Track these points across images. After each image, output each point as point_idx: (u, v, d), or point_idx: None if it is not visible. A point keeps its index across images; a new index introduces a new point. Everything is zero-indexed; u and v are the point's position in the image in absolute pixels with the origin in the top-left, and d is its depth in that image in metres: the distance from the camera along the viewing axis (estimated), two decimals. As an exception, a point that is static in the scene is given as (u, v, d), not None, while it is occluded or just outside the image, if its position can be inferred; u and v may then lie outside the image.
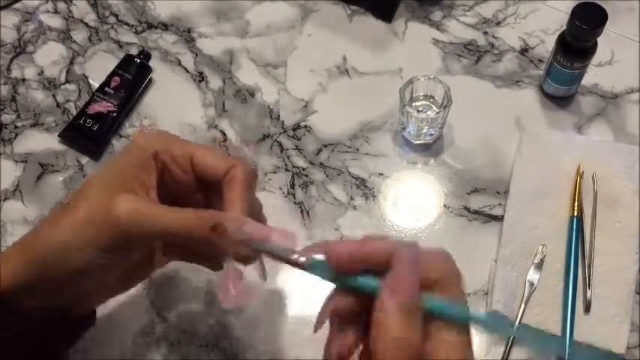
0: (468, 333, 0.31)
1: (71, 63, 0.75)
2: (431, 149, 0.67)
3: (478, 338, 0.57)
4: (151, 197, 0.40)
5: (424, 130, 0.65)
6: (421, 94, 0.66)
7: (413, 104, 0.66)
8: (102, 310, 0.60)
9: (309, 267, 0.33)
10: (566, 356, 0.55)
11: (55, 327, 0.41)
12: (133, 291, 0.61)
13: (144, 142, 0.41)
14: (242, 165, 0.41)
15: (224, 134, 0.69)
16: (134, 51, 0.73)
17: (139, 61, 0.71)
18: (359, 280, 0.32)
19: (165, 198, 0.41)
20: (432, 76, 0.63)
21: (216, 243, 0.36)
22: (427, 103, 0.66)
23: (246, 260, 0.37)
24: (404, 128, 0.66)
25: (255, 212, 0.44)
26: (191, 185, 0.43)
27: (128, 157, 0.40)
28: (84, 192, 0.39)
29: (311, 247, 0.34)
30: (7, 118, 0.71)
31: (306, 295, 0.59)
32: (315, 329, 0.34)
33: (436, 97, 0.65)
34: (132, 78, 0.70)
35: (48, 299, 0.39)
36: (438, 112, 0.62)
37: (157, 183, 0.41)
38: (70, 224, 0.38)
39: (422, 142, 0.67)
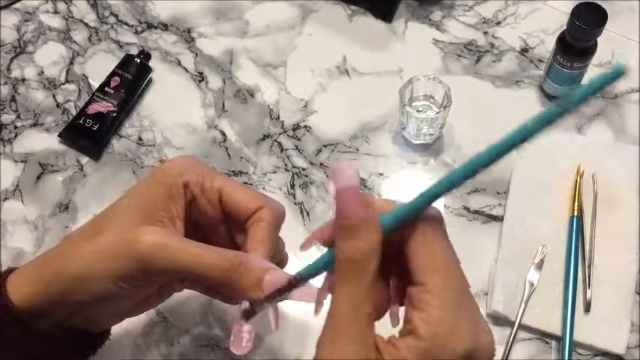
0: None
1: (71, 63, 0.75)
2: (431, 149, 0.67)
3: (478, 338, 0.57)
4: (177, 227, 0.39)
5: (424, 130, 0.65)
6: (421, 94, 0.66)
7: (413, 104, 0.66)
8: (102, 310, 0.60)
9: None
10: (567, 356, 0.55)
11: (69, 344, 0.40)
12: (133, 291, 0.61)
13: (175, 170, 0.40)
14: (271, 207, 0.41)
15: (224, 134, 0.69)
16: (134, 51, 0.73)
17: (139, 61, 0.71)
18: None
19: (189, 226, 0.40)
20: (432, 76, 0.63)
21: (235, 286, 0.36)
22: (427, 103, 0.66)
23: (260, 307, 0.37)
24: (404, 128, 0.66)
25: (278, 251, 0.43)
26: (216, 218, 0.42)
27: (157, 186, 0.39)
28: (109, 218, 0.38)
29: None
30: (7, 118, 0.71)
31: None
32: (316, 311, 0.34)
33: (436, 97, 0.65)
34: (132, 78, 0.70)
35: (63, 320, 0.39)
36: (438, 112, 0.62)
37: (185, 213, 0.40)
38: (92, 253, 0.37)
39: (422, 142, 0.67)
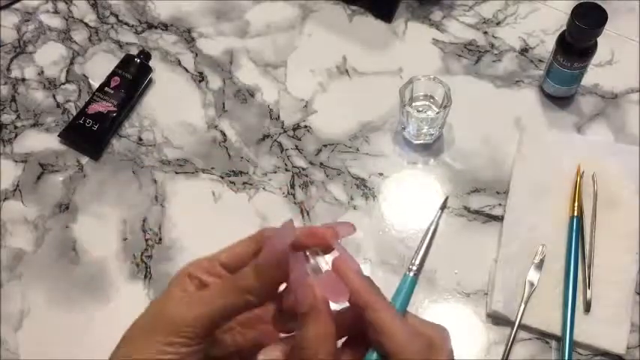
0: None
1: (71, 63, 0.75)
2: (431, 149, 0.67)
3: (478, 338, 0.57)
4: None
5: (424, 130, 0.65)
6: (421, 94, 0.66)
7: (413, 104, 0.66)
8: (102, 310, 0.61)
9: None
10: (567, 356, 0.55)
11: None
12: (133, 291, 0.61)
13: (180, 269, 0.40)
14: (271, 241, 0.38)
15: (224, 134, 0.69)
16: (134, 51, 0.73)
17: (138, 61, 0.71)
18: None
19: None
20: (432, 76, 0.63)
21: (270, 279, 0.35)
22: (427, 103, 0.66)
23: None
24: (404, 128, 0.66)
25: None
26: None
27: (167, 293, 0.38)
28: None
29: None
30: (7, 118, 0.71)
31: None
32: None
33: (436, 97, 0.65)
34: (132, 78, 0.70)
35: None
36: (438, 112, 0.62)
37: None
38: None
39: (422, 142, 0.67)
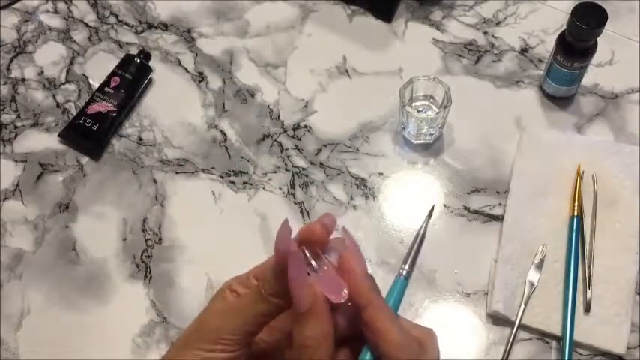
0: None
1: (71, 63, 0.75)
2: (431, 149, 0.67)
3: (478, 338, 0.57)
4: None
5: (424, 130, 0.65)
6: (421, 94, 0.66)
7: (413, 104, 0.66)
8: (102, 310, 0.61)
9: None
10: (567, 356, 0.55)
11: None
12: (133, 291, 0.61)
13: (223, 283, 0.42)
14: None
15: (224, 134, 0.69)
16: (134, 51, 0.73)
17: (139, 61, 0.71)
18: None
19: None
20: (432, 76, 0.63)
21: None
22: (427, 103, 0.66)
23: None
24: (404, 128, 0.66)
25: None
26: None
27: (209, 305, 0.41)
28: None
29: None
30: (7, 118, 0.71)
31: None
32: None
33: (436, 97, 0.65)
34: (132, 78, 0.70)
35: None
36: (438, 112, 0.62)
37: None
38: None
39: (422, 142, 0.67)
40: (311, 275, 0.35)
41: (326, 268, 0.35)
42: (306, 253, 0.36)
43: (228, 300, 0.39)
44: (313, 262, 0.35)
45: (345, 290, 0.34)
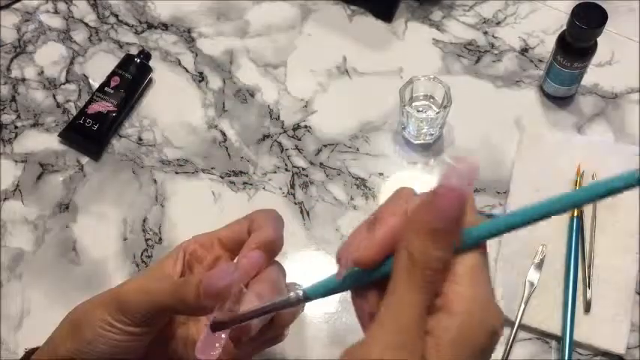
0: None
1: (71, 63, 0.75)
2: (431, 149, 0.67)
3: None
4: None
5: (424, 130, 0.65)
6: (421, 94, 0.66)
7: (413, 104, 0.66)
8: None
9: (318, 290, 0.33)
10: (567, 356, 0.55)
11: None
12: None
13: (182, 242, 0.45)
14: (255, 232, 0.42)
15: (224, 134, 0.69)
16: (134, 51, 0.73)
17: (139, 61, 0.71)
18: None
19: None
20: (432, 76, 0.63)
21: (184, 302, 0.37)
22: (427, 103, 0.66)
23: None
24: (404, 128, 0.66)
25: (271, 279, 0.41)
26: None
27: (150, 269, 0.43)
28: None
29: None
30: (7, 118, 0.71)
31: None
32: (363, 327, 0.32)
33: (436, 97, 0.65)
34: (132, 78, 0.70)
35: None
36: (438, 112, 0.62)
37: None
38: (91, 303, 0.40)
39: (422, 142, 0.67)
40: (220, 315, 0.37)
41: (225, 333, 0.37)
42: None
43: (174, 270, 0.41)
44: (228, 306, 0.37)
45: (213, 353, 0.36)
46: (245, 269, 0.39)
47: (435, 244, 0.27)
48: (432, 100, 0.66)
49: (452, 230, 0.28)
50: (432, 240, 0.27)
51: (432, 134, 0.66)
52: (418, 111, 0.65)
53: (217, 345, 0.37)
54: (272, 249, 0.41)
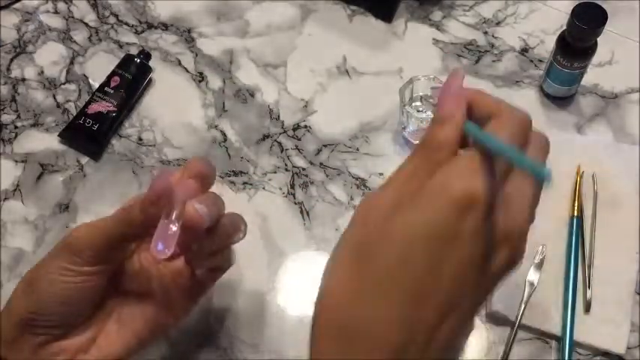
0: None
1: (71, 63, 0.75)
2: (431, 149, 0.67)
3: (478, 338, 0.57)
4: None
5: (424, 130, 0.65)
6: (421, 94, 0.66)
7: (413, 104, 0.66)
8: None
9: None
10: (567, 356, 0.55)
11: None
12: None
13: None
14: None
15: (224, 134, 0.69)
16: (134, 51, 0.73)
17: (139, 61, 0.71)
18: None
19: None
20: (432, 76, 0.63)
21: (151, 213, 0.41)
22: (427, 103, 0.66)
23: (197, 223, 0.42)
24: (404, 128, 0.67)
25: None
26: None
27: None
28: None
29: None
30: (7, 118, 0.71)
31: (306, 295, 0.59)
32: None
33: (436, 97, 0.65)
34: (132, 78, 0.70)
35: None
36: (438, 112, 0.62)
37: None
38: (43, 260, 0.44)
39: (422, 142, 0.67)
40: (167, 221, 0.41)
41: (176, 226, 0.41)
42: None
43: (96, 222, 0.44)
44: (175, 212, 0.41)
45: (167, 251, 0.40)
46: (182, 188, 0.43)
47: (434, 124, 0.37)
48: (432, 100, 0.66)
49: (448, 116, 0.37)
50: (433, 122, 0.37)
51: (432, 134, 0.66)
52: (418, 111, 0.65)
53: (171, 238, 0.40)
54: (205, 180, 0.45)
